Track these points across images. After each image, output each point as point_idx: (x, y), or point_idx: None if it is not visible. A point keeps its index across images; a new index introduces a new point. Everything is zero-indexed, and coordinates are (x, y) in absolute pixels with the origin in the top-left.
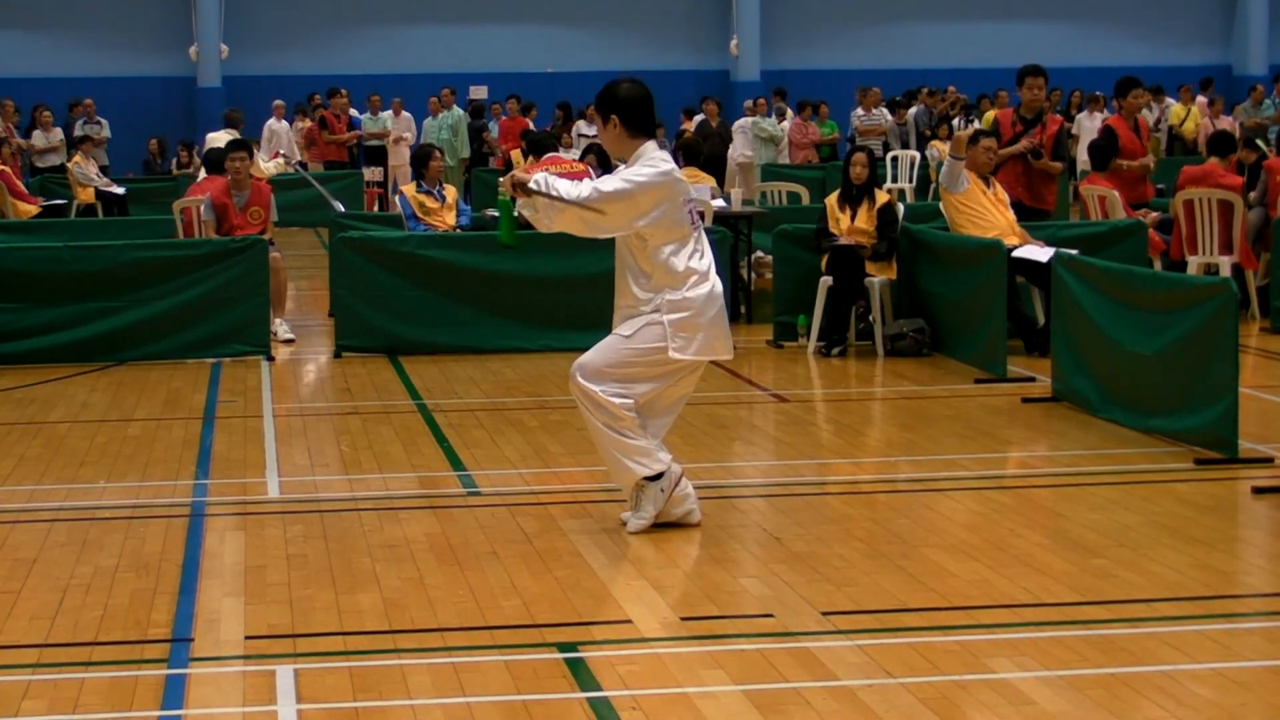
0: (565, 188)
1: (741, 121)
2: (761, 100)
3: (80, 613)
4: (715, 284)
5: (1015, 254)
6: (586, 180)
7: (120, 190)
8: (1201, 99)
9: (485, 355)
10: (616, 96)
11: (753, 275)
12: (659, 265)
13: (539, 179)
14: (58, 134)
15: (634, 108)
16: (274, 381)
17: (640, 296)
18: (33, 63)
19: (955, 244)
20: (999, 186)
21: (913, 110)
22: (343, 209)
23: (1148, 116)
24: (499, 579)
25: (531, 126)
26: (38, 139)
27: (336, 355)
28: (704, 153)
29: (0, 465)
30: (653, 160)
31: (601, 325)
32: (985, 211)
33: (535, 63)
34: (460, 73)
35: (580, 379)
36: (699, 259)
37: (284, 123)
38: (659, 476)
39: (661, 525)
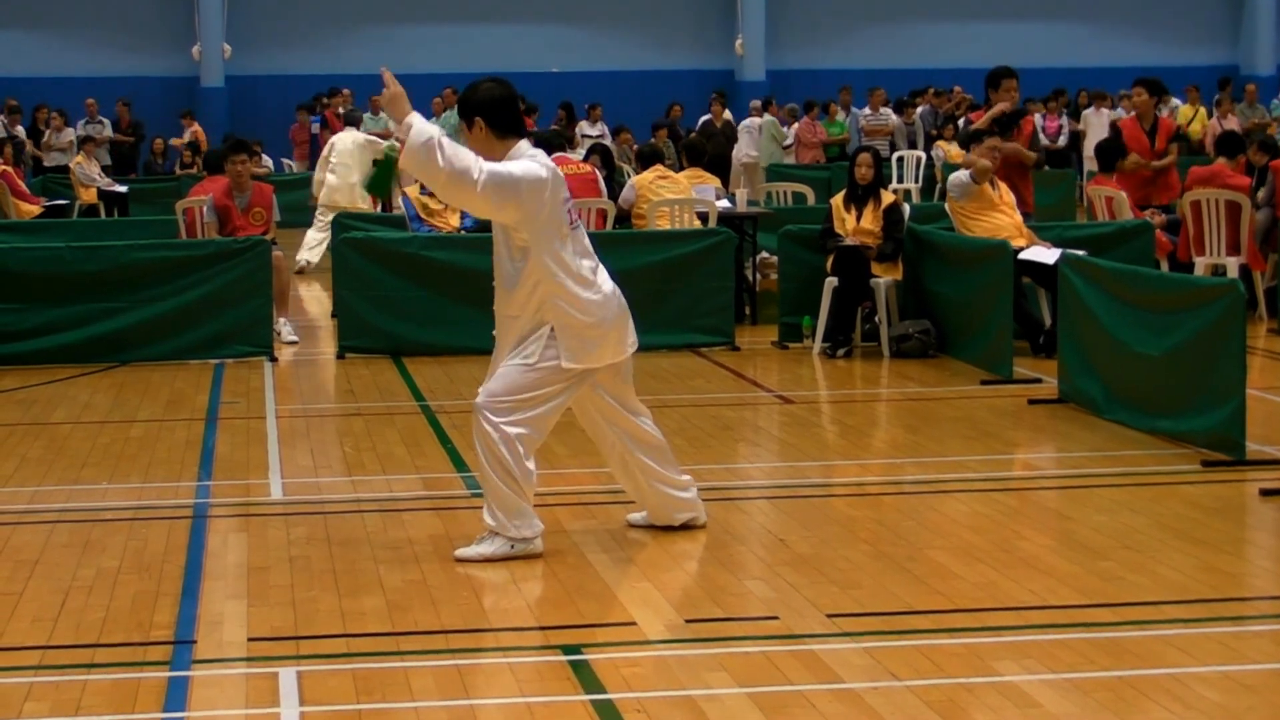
0: (451, 154)
1: (747, 121)
2: (772, 104)
3: (82, 614)
4: (604, 284)
5: (1021, 256)
6: (476, 156)
7: (123, 188)
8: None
9: (488, 356)
10: (478, 99)
11: (757, 276)
12: (543, 271)
13: (426, 126)
14: (68, 134)
15: (498, 108)
16: (277, 382)
17: (525, 306)
18: (34, 62)
19: (961, 245)
20: (1004, 187)
21: (919, 110)
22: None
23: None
24: (503, 581)
25: (534, 127)
26: (51, 138)
27: (339, 356)
28: (708, 153)
29: (2, 466)
30: (532, 158)
31: None
32: (991, 213)
33: (539, 62)
34: (464, 72)
35: (487, 417)
36: (580, 261)
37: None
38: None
39: (666, 528)
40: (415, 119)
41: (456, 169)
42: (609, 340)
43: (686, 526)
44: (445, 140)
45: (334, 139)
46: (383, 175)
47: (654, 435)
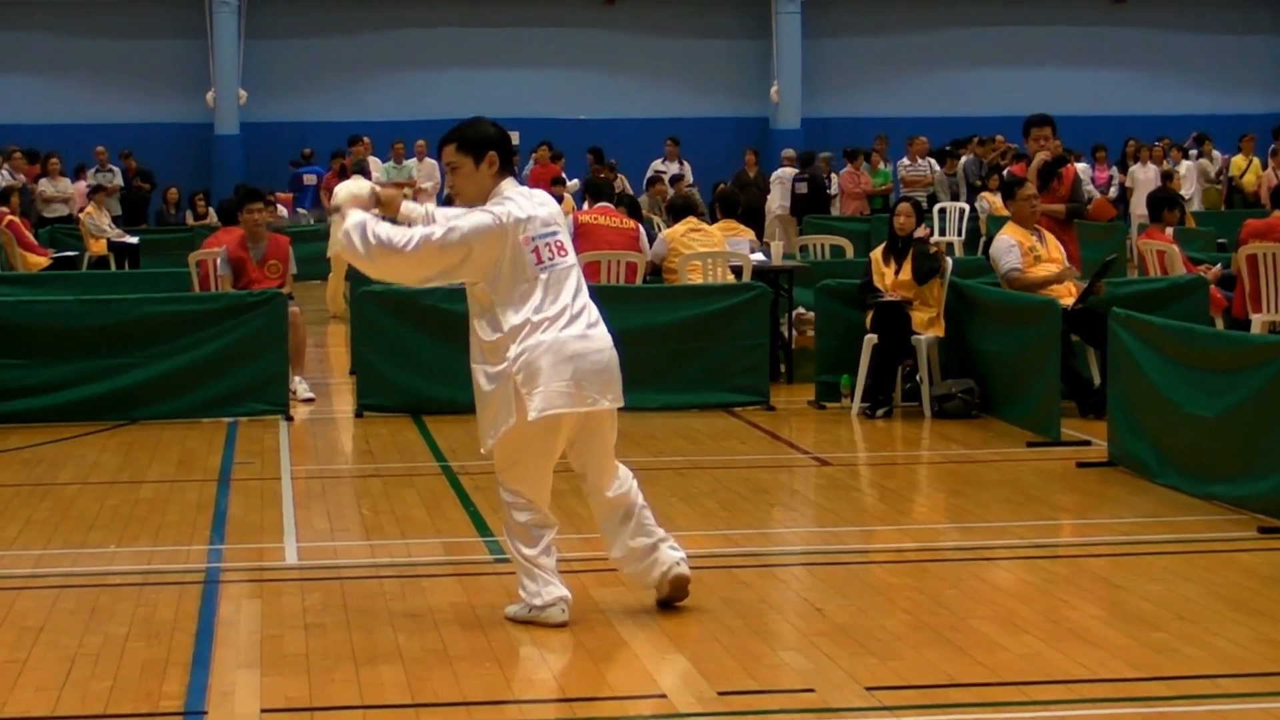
0: (384, 233)
1: (779, 172)
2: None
3: (89, 684)
4: (573, 324)
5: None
6: (417, 230)
7: (134, 240)
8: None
9: None
10: (491, 134)
11: (793, 333)
12: (502, 320)
13: (355, 215)
14: (65, 184)
15: (507, 145)
16: (292, 442)
17: (490, 359)
18: (45, 109)
19: (1007, 301)
20: (1053, 241)
21: (963, 160)
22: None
23: (1208, 167)
24: (527, 651)
25: (562, 174)
26: (44, 187)
27: (358, 414)
28: (741, 204)
29: (7, 528)
30: (505, 198)
31: (637, 383)
32: (1039, 271)
33: (568, 109)
34: (489, 119)
35: (498, 481)
36: (550, 304)
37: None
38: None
39: (695, 597)
40: (350, 208)
41: (381, 240)
42: (575, 383)
43: (674, 586)
44: (375, 221)
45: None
46: None
47: (623, 498)
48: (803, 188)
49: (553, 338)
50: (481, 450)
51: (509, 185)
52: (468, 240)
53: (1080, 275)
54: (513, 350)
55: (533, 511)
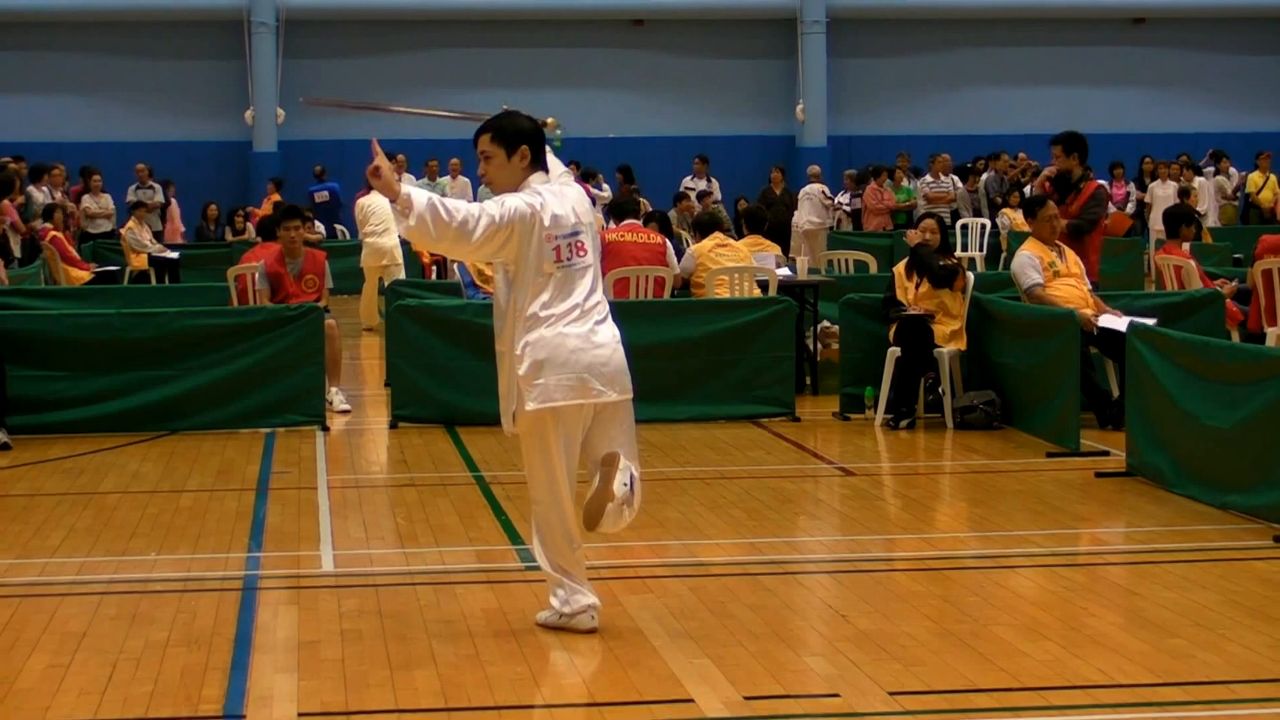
0: (453, 209)
1: (807, 188)
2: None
3: (130, 688)
4: (580, 321)
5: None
6: (479, 211)
7: (174, 255)
8: None
9: None
10: (526, 127)
11: (819, 346)
12: (520, 306)
13: (420, 196)
14: (107, 199)
15: (540, 140)
16: (329, 452)
17: (510, 343)
18: (87, 127)
19: (1027, 315)
20: (1072, 256)
21: (985, 176)
22: None
23: (1225, 184)
24: (558, 656)
25: (590, 188)
26: (87, 203)
27: (392, 426)
28: (768, 219)
29: (50, 536)
30: (535, 192)
31: (665, 395)
32: (1057, 284)
33: (598, 128)
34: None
35: (530, 499)
36: (560, 301)
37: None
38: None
39: (721, 604)
40: (410, 190)
41: (458, 222)
42: (571, 376)
43: (604, 461)
44: (440, 199)
45: (365, 202)
46: None
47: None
48: (859, 203)
49: (555, 333)
50: (505, 432)
51: (538, 179)
52: (512, 222)
53: (1097, 286)
54: (517, 342)
55: (561, 521)
